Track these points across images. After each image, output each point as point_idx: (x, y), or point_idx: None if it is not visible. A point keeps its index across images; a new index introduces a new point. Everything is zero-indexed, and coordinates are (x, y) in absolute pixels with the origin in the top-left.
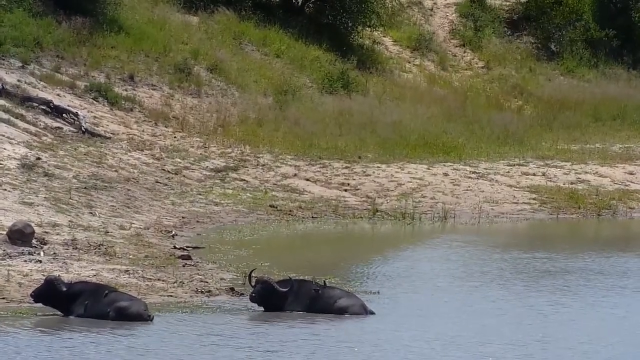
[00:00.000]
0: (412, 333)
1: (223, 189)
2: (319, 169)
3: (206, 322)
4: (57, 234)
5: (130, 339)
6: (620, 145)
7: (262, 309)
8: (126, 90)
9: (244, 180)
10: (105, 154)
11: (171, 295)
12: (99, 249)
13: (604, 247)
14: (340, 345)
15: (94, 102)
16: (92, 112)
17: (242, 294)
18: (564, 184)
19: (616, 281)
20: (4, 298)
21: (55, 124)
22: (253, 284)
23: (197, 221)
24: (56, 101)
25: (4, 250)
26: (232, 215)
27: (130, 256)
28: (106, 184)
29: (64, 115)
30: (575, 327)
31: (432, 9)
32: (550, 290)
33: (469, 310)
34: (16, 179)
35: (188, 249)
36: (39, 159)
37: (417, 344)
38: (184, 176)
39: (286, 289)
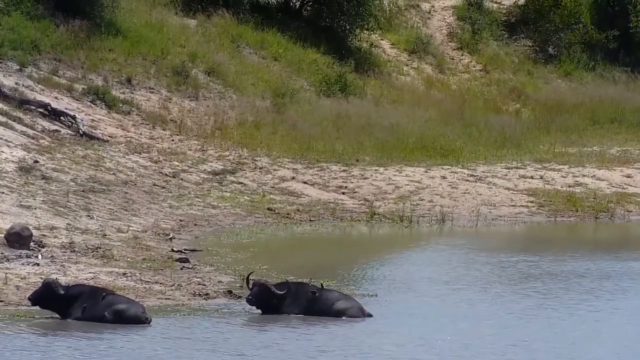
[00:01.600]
0: (393, 337)
1: (221, 192)
2: (316, 172)
3: (200, 325)
4: (55, 236)
5: (127, 341)
6: (618, 148)
7: (259, 311)
8: (124, 93)
9: (242, 183)
10: (103, 157)
11: (169, 298)
12: (97, 251)
13: (596, 250)
14: (321, 350)
15: (92, 105)
16: (89, 115)
17: (239, 297)
18: (561, 187)
19: (598, 284)
20: (1, 301)
21: (53, 127)
22: (250, 286)
23: (195, 224)
24: (54, 104)
25: (1, 253)
26: (230, 218)
27: (128, 259)
28: (104, 187)
29: (61, 118)
30: (551, 330)
31: (429, 12)
32: (542, 294)
33: (459, 314)
34: (14, 182)
35: (186, 251)
36: (36, 162)
37: (395, 348)
38: (181, 179)
39: (283, 292)
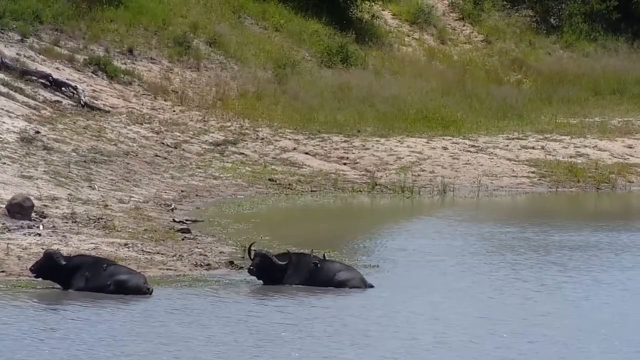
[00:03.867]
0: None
1: (222, 163)
2: (318, 143)
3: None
4: (57, 207)
5: (129, 312)
6: (620, 119)
7: (261, 282)
8: (125, 63)
9: (243, 154)
10: (105, 127)
11: (170, 269)
12: (98, 222)
13: (589, 221)
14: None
15: (93, 75)
16: (91, 85)
17: (241, 268)
18: (563, 158)
19: (578, 256)
20: (3, 271)
21: (55, 98)
22: (252, 257)
23: (197, 195)
24: (55, 75)
25: (3, 224)
26: (232, 189)
27: (130, 230)
28: (105, 158)
29: (63, 88)
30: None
31: None
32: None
33: (459, 286)
34: (15, 153)
35: (187, 222)
36: (38, 132)
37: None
38: (183, 150)
39: (285, 263)
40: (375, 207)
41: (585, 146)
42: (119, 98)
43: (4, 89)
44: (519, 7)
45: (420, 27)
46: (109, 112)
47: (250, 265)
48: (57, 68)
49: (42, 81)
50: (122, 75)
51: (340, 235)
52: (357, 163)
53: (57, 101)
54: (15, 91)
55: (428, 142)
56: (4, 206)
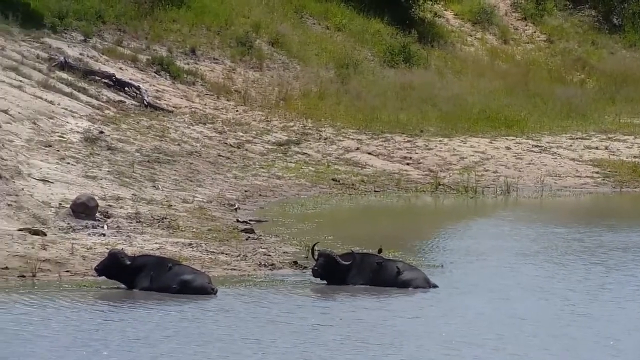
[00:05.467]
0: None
1: (285, 163)
2: (381, 143)
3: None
4: (121, 207)
5: (194, 311)
6: None
7: (324, 282)
8: (188, 64)
9: (306, 153)
10: (168, 127)
11: (234, 269)
12: (162, 222)
13: None
14: (381, 320)
15: (156, 75)
16: (154, 85)
17: (305, 268)
18: (627, 158)
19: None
20: (68, 271)
21: (118, 98)
22: (316, 257)
23: (260, 195)
24: (118, 75)
25: (67, 224)
26: (295, 189)
27: (194, 229)
28: (169, 158)
29: (126, 88)
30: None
31: None
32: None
33: (522, 286)
34: (79, 153)
35: (251, 222)
36: (101, 132)
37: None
38: (246, 150)
39: (348, 263)
40: (438, 207)
41: None
42: (182, 98)
43: (68, 89)
44: (582, 6)
45: (482, 26)
46: (172, 112)
47: (314, 266)
48: (120, 68)
49: (106, 81)
50: (185, 75)
51: (404, 235)
52: (420, 163)
53: (121, 101)
54: (79, 91)
55: (491, 142)
56: (68, 206)
